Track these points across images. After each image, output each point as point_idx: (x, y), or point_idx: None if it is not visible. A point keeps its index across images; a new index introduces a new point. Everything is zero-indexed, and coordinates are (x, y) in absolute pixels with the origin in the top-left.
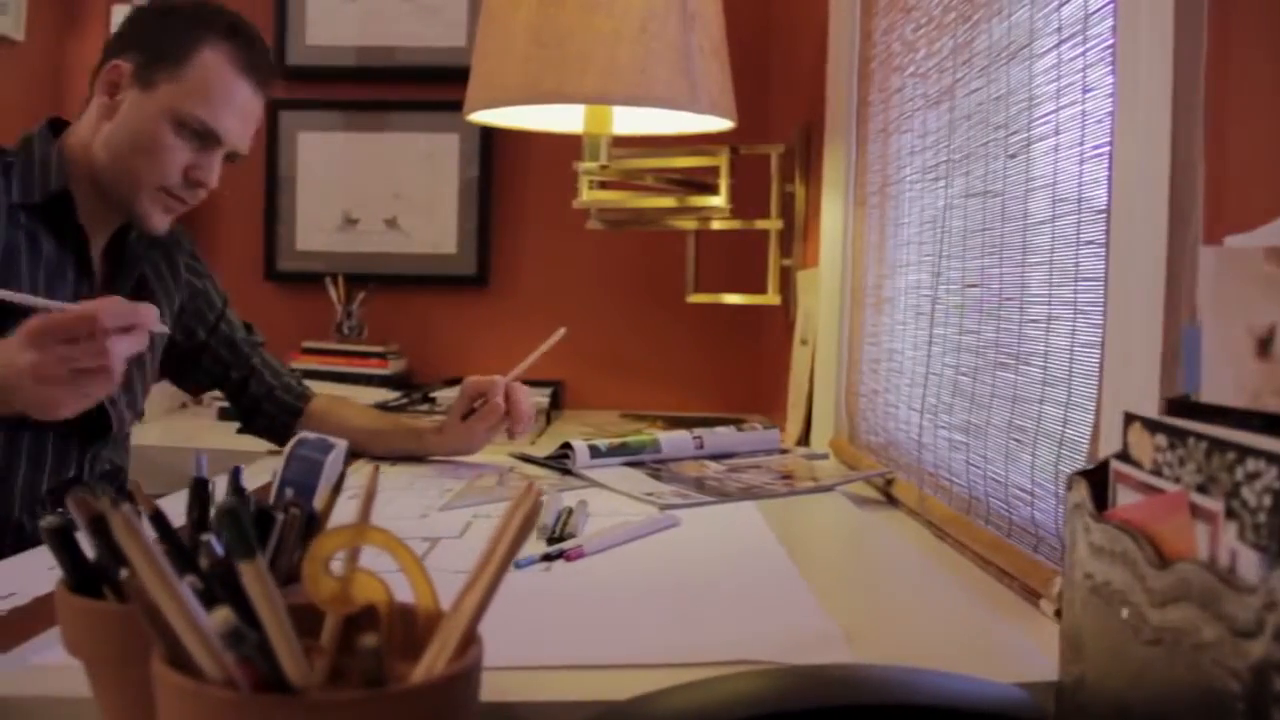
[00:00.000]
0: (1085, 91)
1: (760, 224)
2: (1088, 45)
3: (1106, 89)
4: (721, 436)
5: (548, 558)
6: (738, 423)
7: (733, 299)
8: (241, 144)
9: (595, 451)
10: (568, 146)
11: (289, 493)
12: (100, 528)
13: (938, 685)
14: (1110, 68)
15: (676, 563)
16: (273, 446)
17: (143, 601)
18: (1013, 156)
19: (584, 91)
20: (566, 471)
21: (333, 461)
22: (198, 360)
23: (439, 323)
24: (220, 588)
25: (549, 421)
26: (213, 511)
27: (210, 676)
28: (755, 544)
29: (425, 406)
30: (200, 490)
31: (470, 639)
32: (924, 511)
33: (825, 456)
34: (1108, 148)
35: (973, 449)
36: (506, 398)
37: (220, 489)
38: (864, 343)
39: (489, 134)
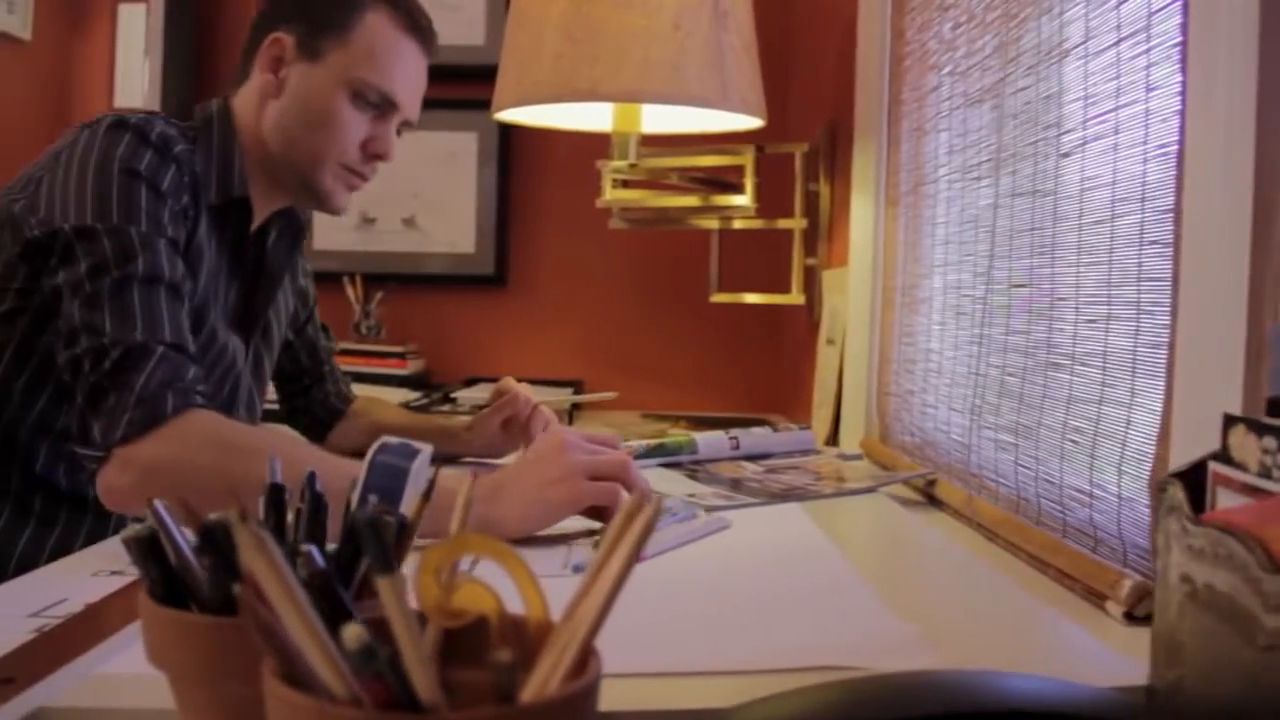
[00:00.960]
0: (1149, 90)
1: (783, 223)
2: (1151, 43)
3: (1174, 87)
4: (757, 437)
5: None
6: (759, 423)
7: (757, 299)
8: (414, 111)
9: (633, 453)
10: (587, 145)
11: (372, 499)
12: (213, 538)
13: (1039, 690)
14: (1178, 65)
15: (735, 566)
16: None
17: (256, 616)
18: (1066, 155)
19: (617, 89)
20: None
21: (418, 467)
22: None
23: (457, 322)
24: (320, 599)
25: (571, 422)
26: (290, 517)
27: (336, 695)
28: (809, 546)
29: (447, 407)
30: (277, 496)
31: (588, 651)
32: (972, 513)
33: (859, 457)
34: (1175, 146)
35: (1023, 450)
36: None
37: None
38: (896, 342)
39: (507, 133)
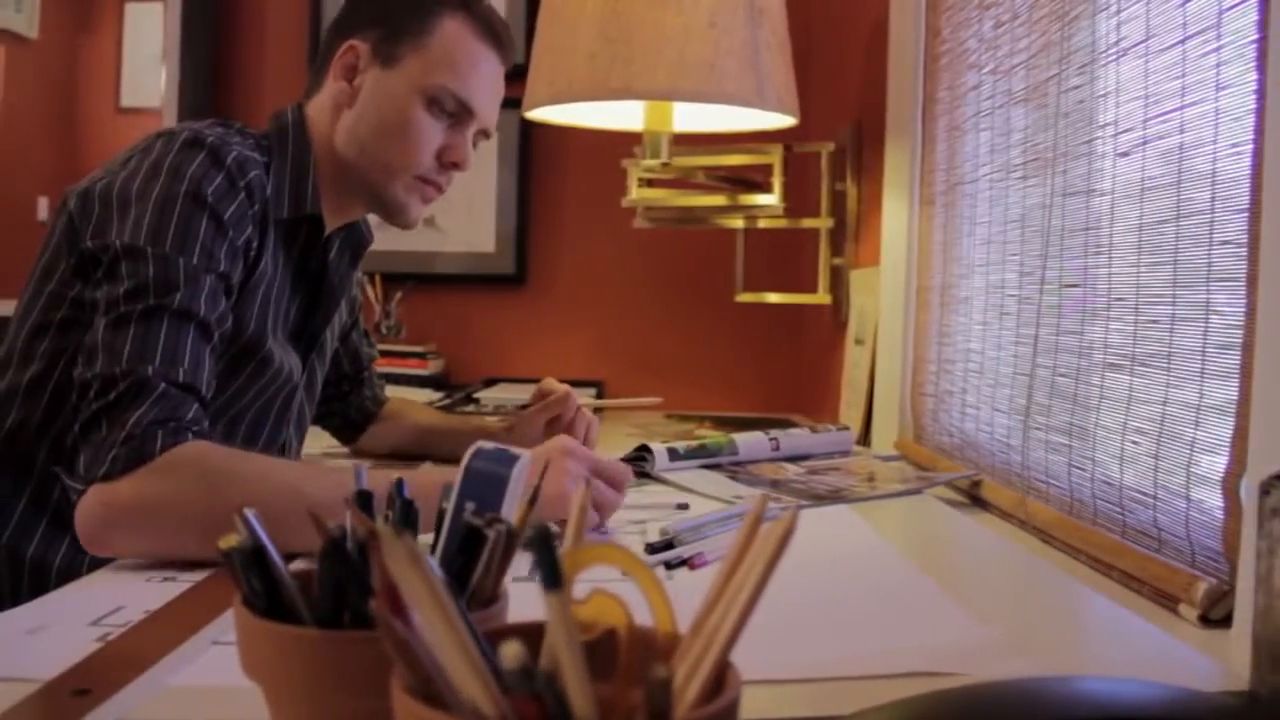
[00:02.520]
0: (1219, 89)
1: (809, 223)
2: (1221, 42)
3: (1247, 85)
4: (796, 438)
5: (668, 565)
6: (784, 423)
7: (783, 298)
8: (491, 119)
9: (674, 454)
10: (607, 144)
11: (469, 507)
12: (339, 552)
13: (1152, 695)
14: (1253, 64)
15: (800, 569)
16: None
17: (392, 631)
18: (1124, 155)
19: (654, 88)
20: (644, 475)
21: (518, 473)
22: None
23: (477, 322)
24: None
25: None
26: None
27: (485, 714)
28: (869, 548)
29: (471, 408)
30: (365, 503)
31: (724, 666)
32: (1025, 515)
33: (899, 458)
34: (1250, 145)
35: (1077, 451)
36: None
37: None
38: (932, 342)
39: (528, 132)
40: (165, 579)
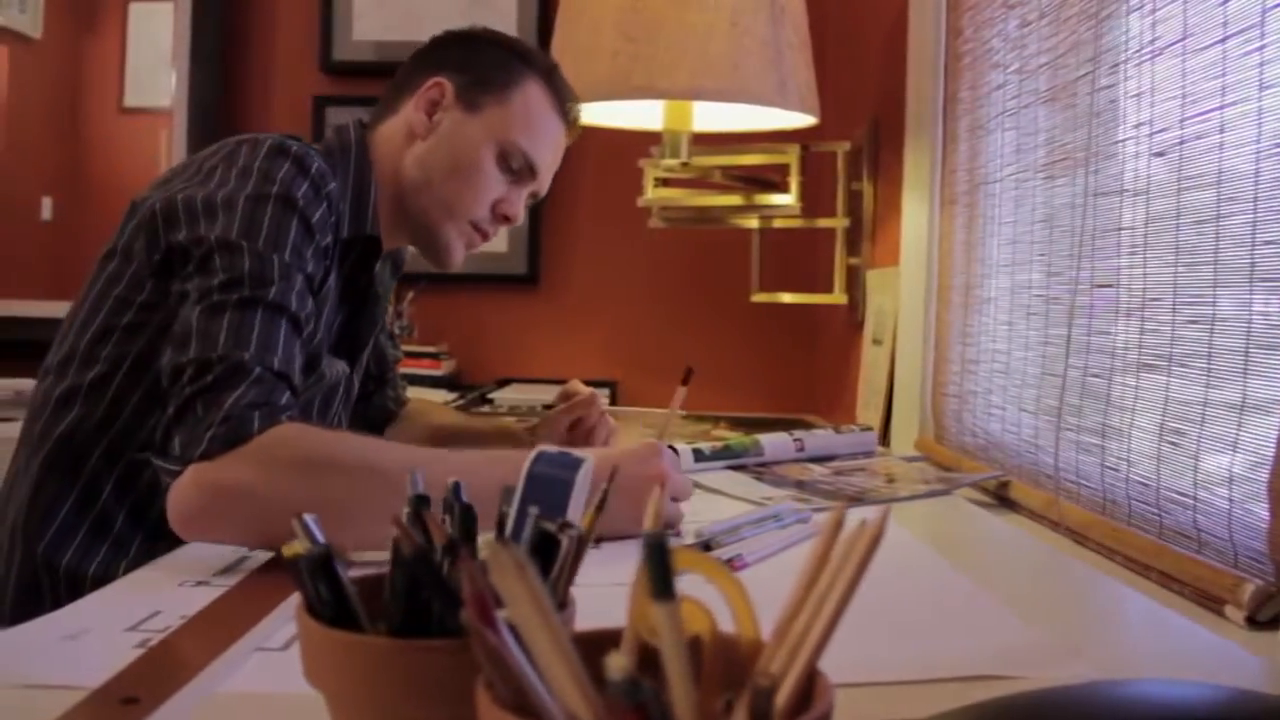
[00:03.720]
0: (1262, 87)
1: (824, 222)
2: (1265, 40)
3: None
4: (820, 439)
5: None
6: (799, 423)
7: (799, 298)
8: (545, 185)
9: (699, 455)
10: (620, 144)
11: (533, 511)
12: (422, 560)
13: (1216, 697)
14: None
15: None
16: None
17: (485, 642)
18: (1159, 154)
19: (676, 87)
20: None
21: (583, 478)
22: None
23: (489, 323)
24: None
25: None
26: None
27: None
28: (908, 550)
29: (486, 408)
30: (422, 508)
31: (812, 673)
32: (1058, 516)
33: (922, 458)
34: None
35: (1110, 452)
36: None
37: None
38: (953, 342)
39: None
40: (199, 583)
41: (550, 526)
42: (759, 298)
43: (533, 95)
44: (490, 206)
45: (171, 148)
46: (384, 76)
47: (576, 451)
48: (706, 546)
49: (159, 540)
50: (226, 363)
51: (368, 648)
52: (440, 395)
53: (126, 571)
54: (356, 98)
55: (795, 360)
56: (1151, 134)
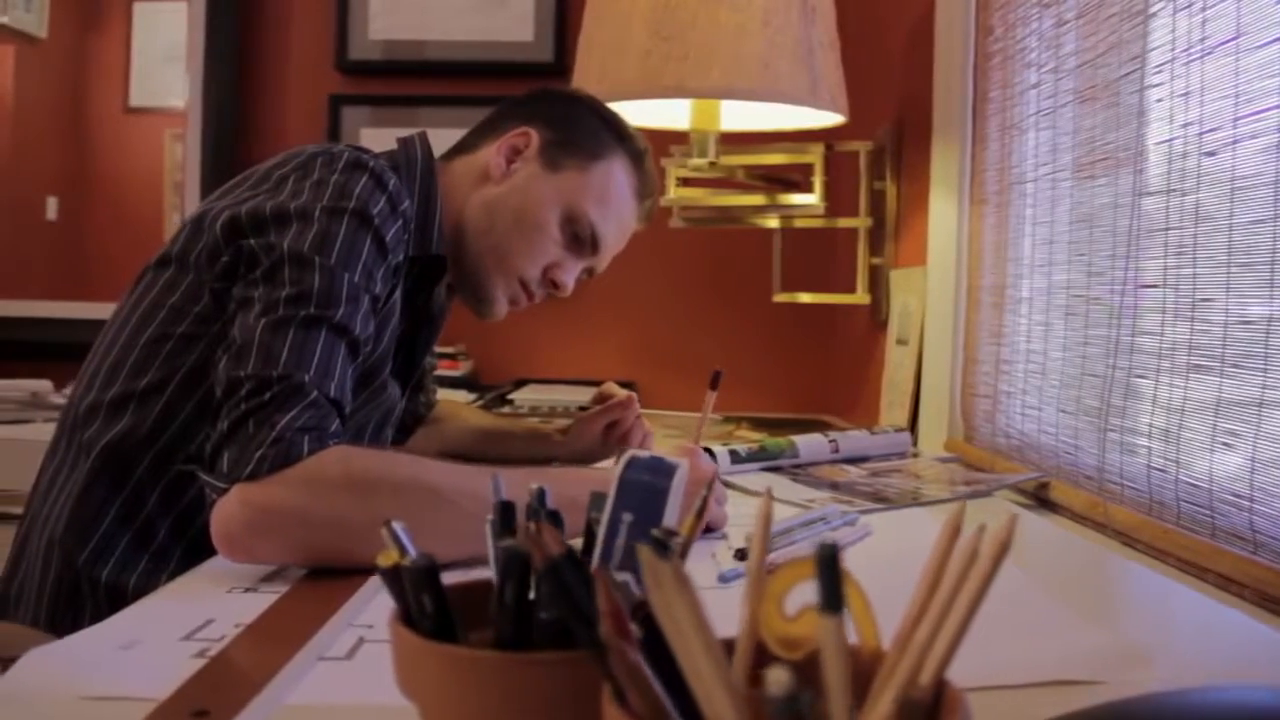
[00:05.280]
0: None
1: (847, 222)
2: None
3: None
4: (855, 440)
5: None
6: (820, 424)
7: (820, 298)
8: (603, 264)
9: (735, 457)
10: None
11: (627, 519)
12: (558, 572)
13: None
14: None
15: (900, 576)
16: None
17: (623, 656)
18: (1211, 154)
19: (708, 86)
20: None
21: (677, 484)
22: None
23: (506, 322)
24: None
25: None
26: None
27: None
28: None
29: (507, 409)
30: (508, 516)
31: (941, 683)
32: (1105, 517)
33: (956, 459)
34: None
35: (1157, 453)
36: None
37: None
38: (983, 343)
39: None
40: (246, 590)
41: (663, 536)
42: (780, 298)
43: (616, 172)
44: (543, 269)
45: (186, 147)
46: (399, 76)
47: (669, 457)
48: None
49: (198, 555)
50: (286, 383)
51: (476, 662)
52: (459, 396)
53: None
54: (372, 97)
55: (813, 361)
56: (1201, 133)
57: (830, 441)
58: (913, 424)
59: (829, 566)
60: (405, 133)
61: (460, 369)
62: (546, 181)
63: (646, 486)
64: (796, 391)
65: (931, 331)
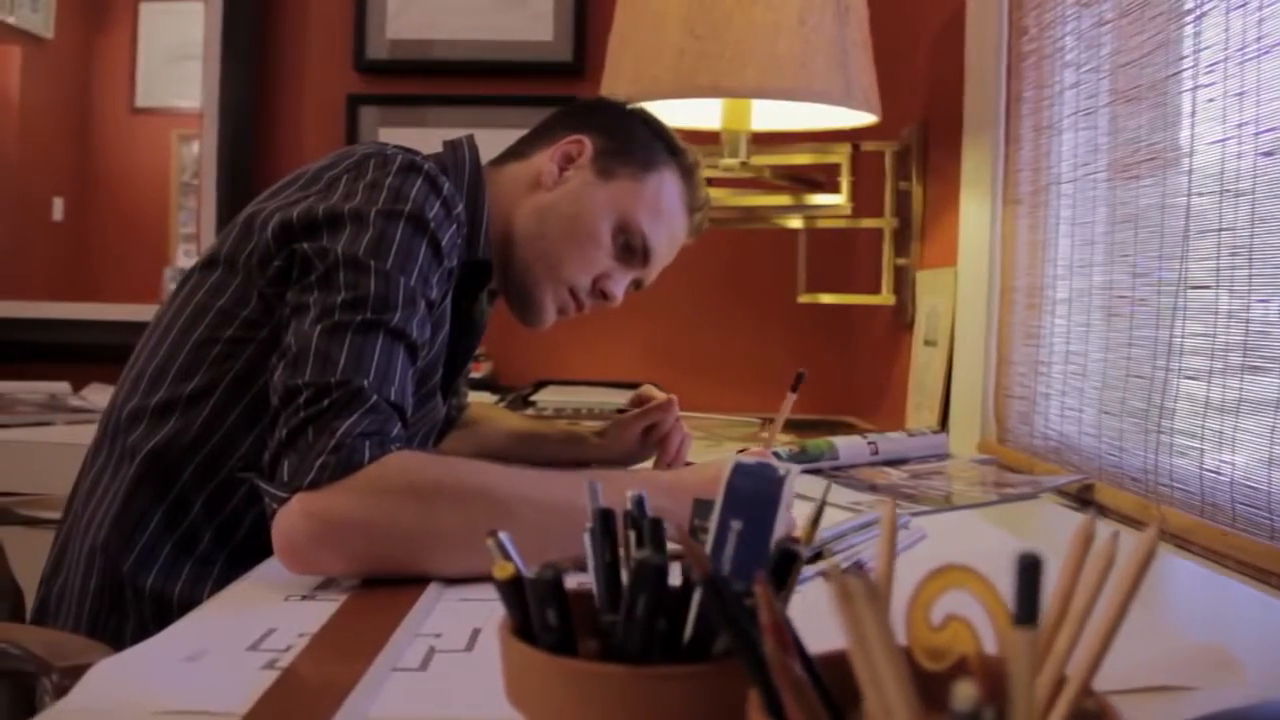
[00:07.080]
0: None
1: (871, 222)
2: None
3: None
4: (894, 441)
5: (825, 575)
6: (845, 425)
7: (845, 299)
8: (652, 275)
9: (776, 458)
10: None
11: (736, 526)
12: (718, 586)
13: None
14: None
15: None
16: None
17: (787, 671)
18: (1268, 154)
19: (743, 86)
20: None
21: (788, 491)
22: None
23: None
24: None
25: None
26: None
27: None
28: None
29: (530, 411)
30: (608, 523)
31: (1085, 696)
32: (1160, 520)
33: (993, 461)
34: None
35: (1210, 455)
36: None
37: None
38: (1017, 344)
39: None
40: (303, 597)
41: (793, 545)
42: (805, 299)
43: (668, 183)
44: (593, 279)
45: (202, 147)
46: (418, 75)
47: (778, 463)
48: (818, 554)
49: (242, 563)
50: (345, 389)
51: (606, 677)
52: (480, 397)
53: (212, 593)
54: (390, 96)
55: (835, 362)
56: (1258, 133)
57: (869, 443)
58: (942, 425)
59: (1029, 575)
60: (423, 131)
61: (480, 370)
62: (599, 190)
63: (755, 494)
64: (820, 393)
65: (963, 332)
